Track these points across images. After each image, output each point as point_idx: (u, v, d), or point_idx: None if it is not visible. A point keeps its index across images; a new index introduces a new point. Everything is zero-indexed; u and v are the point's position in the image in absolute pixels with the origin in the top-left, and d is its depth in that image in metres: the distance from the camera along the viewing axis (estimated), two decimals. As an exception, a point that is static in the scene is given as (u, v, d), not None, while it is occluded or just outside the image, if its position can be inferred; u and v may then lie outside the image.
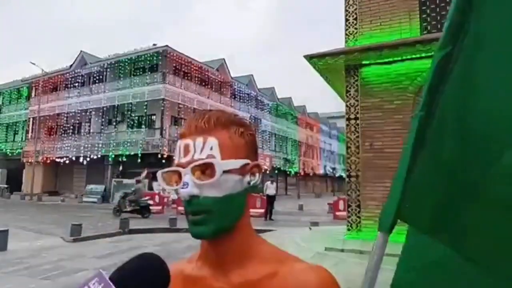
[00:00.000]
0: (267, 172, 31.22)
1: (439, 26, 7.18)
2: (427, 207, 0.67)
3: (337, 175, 53.64)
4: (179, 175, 0.62)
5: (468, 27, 0.67)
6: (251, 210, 14.69)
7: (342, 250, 6.77)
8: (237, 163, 0.63)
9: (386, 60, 7.38)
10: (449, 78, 0.68)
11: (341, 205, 15.72)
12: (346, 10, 8.02)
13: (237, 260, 0.63)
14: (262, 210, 15.41)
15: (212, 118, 0.64)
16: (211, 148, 0.61)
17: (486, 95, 0.64)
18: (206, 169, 0.60)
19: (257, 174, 0.65)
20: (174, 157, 0.67)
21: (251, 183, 0.65)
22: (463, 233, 0.65)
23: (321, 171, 50.34)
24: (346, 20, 7.98)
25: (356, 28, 7.85)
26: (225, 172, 0.60)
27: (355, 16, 7.88)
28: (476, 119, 0.64)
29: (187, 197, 0.60)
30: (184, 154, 0.62)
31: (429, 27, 7.32)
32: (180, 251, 8.15)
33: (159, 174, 0.65)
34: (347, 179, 7.71)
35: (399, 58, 7.25)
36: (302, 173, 43.51)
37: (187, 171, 0.60)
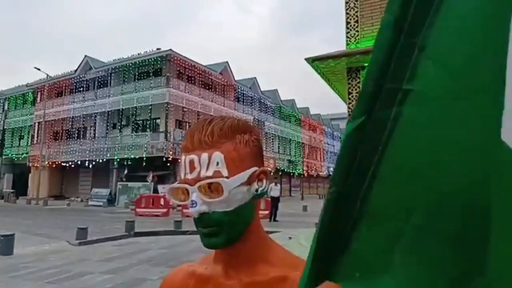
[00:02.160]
0: (271, 173, 31.24)
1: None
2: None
3: (341, 176, 53.59)
4: (187, 191, 0.62)
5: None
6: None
7: (346, 252, 6.78)
8: (244, 176, 0.62)
9: (388, 62, 7.40)
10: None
11: (345, 206, 15.68)
12: (347, 13, 8.04)
13: (249, 262, 0.65)
14: (267, 212, 15.45)
15: (216, 130, 0.62)
16: (217, 164, 0.60)
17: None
18: (210, 193, 0.61)
19: (264, 181, 0.65)
20: (180, 172, 0.66)
21: (259, 190, 0.64)
22: None
23: (325, 172, 50.32)
24: (347, 23, 8.01)
25: (357, 31, 7.87)
26: (234, 187, 0.61)
27: (356, 19, 7.91)
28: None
29: (196, 215, 0.60)
30: (190, 170, 0.62)
31: (430, 28, 7.33)
32: (186, 253, 8.20)
33: (167, 190, 0.66)
34: (350, 181, 7.72)
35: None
36: (305, 175, 43.48)
37: (194, 189, 0.60)
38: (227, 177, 0.60)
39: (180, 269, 0.76)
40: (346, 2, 8.03)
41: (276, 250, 0.68)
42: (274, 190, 15.35)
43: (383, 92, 0.51)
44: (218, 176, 0.60)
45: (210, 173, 0.60)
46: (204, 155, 0.61)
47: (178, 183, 0.64)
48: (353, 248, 0.53)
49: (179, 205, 20.34)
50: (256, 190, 0.64)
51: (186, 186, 0.61)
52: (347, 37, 7.94)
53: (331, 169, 52.61)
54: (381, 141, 0.51)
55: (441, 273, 0.47)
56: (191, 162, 0.61)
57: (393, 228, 0.50)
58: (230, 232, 0.61)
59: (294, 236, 9.18)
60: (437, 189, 0.47)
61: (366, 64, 7.64)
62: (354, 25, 7.90)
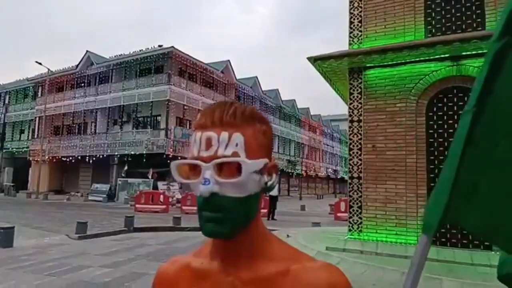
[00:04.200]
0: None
1: (443, 29, 7.22)
2: (479, 209, 0.62)
3: (338, 177, 53.74)
4: (196, 168, 0.59)
5: None
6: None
7: (344, 250, 6.83)
8: (260, 163, 0.60)
9: (390, 62, 7.42)
10: (504, 72, 0.62)
11: (342, 206, 15.76)
12: (351, 13, 8.06)
13: (249, 257, 0.62)
14: (265, 210, 15.53)
15: (238, 112, 0.60)
16: (237, 145, 0.58)
17: None
18: (226, 166, 0.58)
19: (274, 175, 0.64)
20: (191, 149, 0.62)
21: (268, 183, 0.63)
22: None
23: (323, 173, 50.39)
24: (351, 22, 8.03)
25: (360, 31, 7.89)
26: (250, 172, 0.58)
27: (359, 18, 7.93)
28: None
29: (207, 194, 0.56)
30: (205, 147, 0.59)
31: (433, 30, 7.35)
32: (184, 249, 8.23)
33: (174, 164, 0.62)
34: (349, 181, 7.76)
35: (403, 61, 7.29)
36: (304, 175, 43.51)
37: (209, 167, 0.57)
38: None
39: (174, 261, 0.73)
40: (350, 2, 8.05)
41: (276, 244, 0.65)
42: (273, 189, 15.43)
43: None
44: (236, 157, 0.58)
45: (228, 152, 0.58)
46: (224, 134, 0.58)
47: (189, 159, 0.60)
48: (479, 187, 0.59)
49: (178, 201, 20.38)
50: (265, 183, 0.62)
51: (200, 162, 0.58)
52: (350, 37, 7.95)
53: (330, 170, 52.72)
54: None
55: None
56: (208, 139, 0.59)
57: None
58: (236, 222, 0.59)
59: (292, 234, 9.23)
60: None
61: (368, 65, 7.67)
62: (357, 25, 7.92)
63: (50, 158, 30.09)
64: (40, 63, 28.13)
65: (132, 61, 27.69)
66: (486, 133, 0.63)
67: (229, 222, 0.58)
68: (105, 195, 24.39)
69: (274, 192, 15.51)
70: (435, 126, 7.05)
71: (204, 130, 0.60)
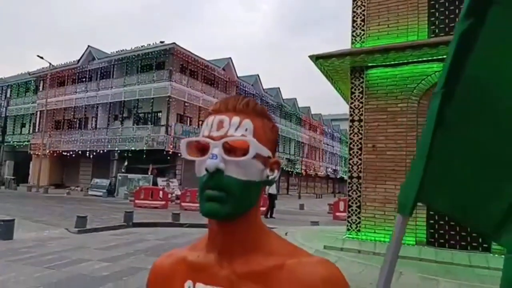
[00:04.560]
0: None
1: (447, 29, 7.20)
2: (450, 189, 0.63)
3: (338, 176, 53.77)
4: (205, 148, 0.61)
5: None
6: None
7: (341, 249, 6.84)
8: (266, 151, 0.63)
9: (392, 62, 7.42)
10: (472, 53, 0.62)
11: (341, 206, 15.79)
12: (353, 12, 8.04)
13: (245, 250, 0.63)
14: (264, 208, 15.60)
15: (251, 104, 0.65)
16: (246, 130, 0.61)
17: None
18: (233, 149, 0.60)
19: (276, 171, 0.66)
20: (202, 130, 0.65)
21: (270, 177, 0.64)
22: (494, 215, 0.59)
23: (323, 172, 50.42)
24: (353, 21, 8.01)
25: (363, 30, 7.88)
26: (255, 156, 0.60)
27: (362, 17, 7.91)
28: (507, 95, 0.58)
29: (213, 168, 0.58)
30: (217, 128, 0.62)
31: (437, 30, 7.33)
32: (182, 245, 8.12)
33: (184, 142, 0.64)
34: (348, 180, 7.76)
35: (405, 61, 7.28)
36: (304, 174, 43.54)
37: (218, 145, 0.59)
38: None
39: (170, 254, 0.73)
40: (354, 0, 8.02)
41: (272, 238, 0.66)
42: (272, 188, 15.51)
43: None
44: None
45: (238, 134, 0.61)
46: (236, 118, 0.62)
47: (200, 137, 0.63)
48: (449, 167, 0.60)
49: (177, 198, 20.41)
50: (267, 176, 0.64)
51: (209, 140, 0.61)
52: (352, 35, 7.94)
53: (330, 169, 52.75)
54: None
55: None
56: (220, 121, 0.62)
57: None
58: (235, 204, 0.60)
59: (291, 233, 9.25)
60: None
61: (370, 64, 7.66)
62: (360, 24, 7.90)
63: (51, 152, 30.13)
64: (41, 57, 28.11)
65: (133, 56, 27.68)
66: (457, 114, 0.64)
67: (228, 204, 0.59)
68: (105, 190, 24.43)
69: (272, 190, 15.58)
70: (436, 127, 7.04)
71: (217, 113, 0.64)
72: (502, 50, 0.60)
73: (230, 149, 0.60)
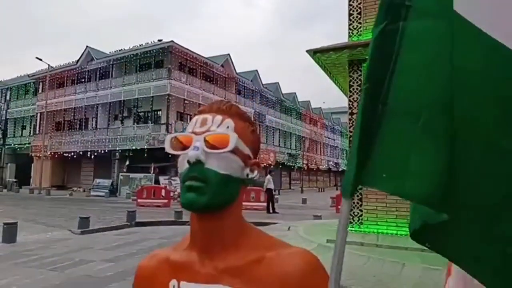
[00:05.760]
0: (271, 166, 31.31)
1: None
2: (384, 167, 0.62)
3: (340, 169, 53.78)
4: (187, 143, 0.64)
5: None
6: (256, 203, 14.48)
7: (344, 243, 6.84)
8: (246, 149, 0.67)
9: (390, 54, 7.38)
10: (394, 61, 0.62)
11: (344, 199, 15.79)
12: (349, 5, 7.99)
13: (226, 246, 0.65)
14: (265, 204, 15.66)
15: (234, 107, 0.70)
16: (228, 127, 0.65)
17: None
18: (215, 144, 0.63)
19: (255, 171, 0.68)
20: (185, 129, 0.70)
21: (249, 176, 0.67)
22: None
23: (325, 166, 50.44)
24: (350, 14, 7.96)
25: (360, 23, 7.83)
26: (233, 151, 0.63)
27: (359, 10, 7.86)
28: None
29: (194, 158, 0.61)
30: (200, 125, 0.66)
31: (433, 21, 7.29)
32: (185, 243, 8.28)
33: (168, 138, 0.66)
34: (349, 173, 7.76)
35: (403, 53, 7.24)
36: (305, 168, 43.56)
37: (200, 138, 0.63)
38: None
39: (153, 255, 0.75)
40: (349, -6, 7.97)
41: (254, 233, 0.68)
42: (270, 183, 15.54)
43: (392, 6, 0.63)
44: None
45: (219, 130, 0.65)
46: (218, 117, 0.67)
47: (184, 133, 0.67)
48: (380, 148, 0.61)
49: (179, 196, 20.43)
50: (247, 175, 0.67)
51: (192, 135, 0.65)
52: (349, 29, 7.89)
53: (331, 163, 52.78)
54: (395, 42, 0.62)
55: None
56: (204, 119, 0.67)
57: (407, 124, 0.60)
58: (214, 196, 0.61)
59: (293, 227, 9.27)
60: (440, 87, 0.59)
61: (367, 57, 7.62)
62: (356, 17, 7.85)
63: (52, 153, 30.19)
64: (40, 59, 28.06)
65: (132, 56, 27.62)
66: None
67: (206, 195, 0.61)
68: (107, 190, 24.50)
69: (270, 185, 15.68)
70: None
71: (201, 114, 0.69)
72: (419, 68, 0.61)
73: (211, 145, 0.63)
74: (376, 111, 0.63)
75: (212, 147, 0.63)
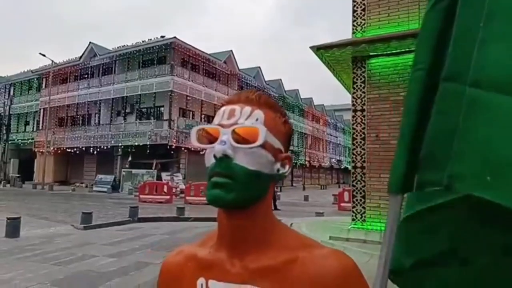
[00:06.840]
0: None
1: (448, 17, 7.10)
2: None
3: (342, 167, 53.72)
4: (214, 136, 0.61)
5: None
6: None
7: (347, 240, 6.85)
8: (277, 143, 0.62)
9: (394, 51, 7.34)
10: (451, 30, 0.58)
11: (346, 196, 15.79)
12: (354, 1, 7.94)
13: (256, 245, 0.62)
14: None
15: (264, 97, 0.65)
16: (257, 119, 0.61)
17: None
18: (243, 139, 0.59)
19: (287, 166, 0.64)
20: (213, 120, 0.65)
21: (280, 171, 0.63)
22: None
23: (327, 163, 50.38)
24: (354, 11, 7.92)
25: (364, 19, 7.79)
26: (263, 145, 0.59)
27: (363, 7, 7.82)
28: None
29: (221, 154, 0.58)
30: (228, 116, 0.62)
31: (438, 18, 7.23)
32: (188, 239, 8.30)
33: (194, 129, 0.63)
34: (352, 170, 7.74)
35: (407, 49, 7.20)
36: (308, 165, 43.54)
37: (228, 132, 0.59)
38: None
39: (180, 250, 0.72)
40: (353, -10, 7.92)
41: (284, 231, 0.65)
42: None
43: None
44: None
45: (248, 123, 0.60)
46: (247, 108, 0.62)
47: (211, 125, 0.63)
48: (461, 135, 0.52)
49: (181, 192, 20.51)
50: (278, 170, 0.63)
51: (219, 127, 0.60)
52: (353, 25, 7.85)
53: (334, 160, 52.71)
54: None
55: None
56: (232, 110, 0.62)
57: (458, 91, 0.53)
58: (241, 193, 0.58)
59: (296, 224, 9.27)
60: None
61: (371, 54, 7.58)
62: (360, 13, 7.81)
63: (55, 149, 30.30)
64: (44, 55, 28.15)
65: (134, 52, 27.62)
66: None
67: (234, 191, 0.58)
68: (109, 186, 24.59)
69: None
70: (439, 115, 6.98)
71: (229, 104, 0.64)
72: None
73: (240, 139, 0.59)
74: (433, 92, 0.57)
75: (240, 141, 0.59)
